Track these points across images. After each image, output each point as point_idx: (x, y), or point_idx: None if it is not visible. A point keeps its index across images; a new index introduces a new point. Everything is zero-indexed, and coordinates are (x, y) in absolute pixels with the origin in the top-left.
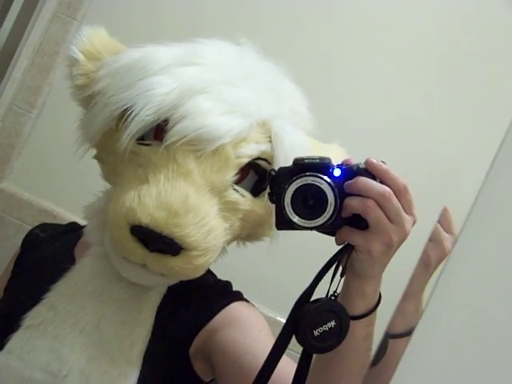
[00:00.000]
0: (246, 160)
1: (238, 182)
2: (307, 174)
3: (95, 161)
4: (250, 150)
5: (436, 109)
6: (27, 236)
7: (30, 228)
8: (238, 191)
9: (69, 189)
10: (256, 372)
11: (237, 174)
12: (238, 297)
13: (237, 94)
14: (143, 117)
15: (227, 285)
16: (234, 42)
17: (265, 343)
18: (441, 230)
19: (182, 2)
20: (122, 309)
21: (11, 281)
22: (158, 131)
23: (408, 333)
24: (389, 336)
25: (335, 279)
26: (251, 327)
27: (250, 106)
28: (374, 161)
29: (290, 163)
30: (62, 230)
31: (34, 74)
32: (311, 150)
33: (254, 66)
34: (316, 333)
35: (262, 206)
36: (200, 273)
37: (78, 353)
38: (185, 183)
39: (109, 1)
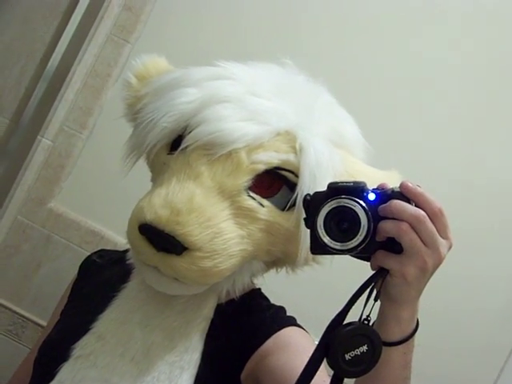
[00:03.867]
0: (261, 167)
1: (268, 196)
2: (341, 196)
3: (143, 183)
4: (266, 157)
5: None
6: (84, 261)
7: (77, 248)
8: (254, 199)
9: (117, 210)
10: None
11: (252, 179)
12: (291, 322)
13: (259, 104)
14: (164, 124)
15: (280, 310)
16: (280, 63)
17: (321, 374)
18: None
19: (236, 26)
20: (171, 336)
21: (66, 306)
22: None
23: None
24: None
25: (369, 303)
26: (301, 353)
27: (270, 115)
28: (409, 184)
29: (316, 177)
30: (120, 257)
31: (86, 95)
32: (350, 169)
33: (289, 83)
34: (348, 357)
35: (290, 219)
36: (211, 279)
37: (128, 382)
38: (193, 184)
39: (162, 25)
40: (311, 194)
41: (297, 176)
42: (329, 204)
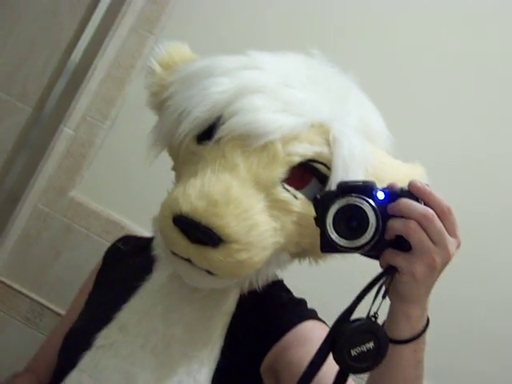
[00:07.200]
0: (297, 159)
1: (299, 188)
2: (351, 194)
3: (164, 173)
4: (301, 149)
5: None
6: (109, 249)
7: (97, 238)
8: (288, 191)
9: (137, 200)
10: None
11: (287, 171)
12: (311, 315)
13: (292, 95)
14: (197, 113)
15: (300, 302)
16: (309, 53)
17: (332, 365)
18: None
19: (260, 17)
20: (191, 330)
21: (91, 294)
22: (214, 131)
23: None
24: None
25: (377, 301)
26: None
27: (304, 107)
28: (418, 183)
29: (349, 170)
30: (145, 244)
31: (109, 85)
32: (378, 161)
33: (319, 73)
34: (353, 352)
35: None
36: (246, 270)
37: (147, 373)
38: (229, 176)
39: (186, 16)
40: (321, 193)
41: (329, 168)
42: (338, 202)
